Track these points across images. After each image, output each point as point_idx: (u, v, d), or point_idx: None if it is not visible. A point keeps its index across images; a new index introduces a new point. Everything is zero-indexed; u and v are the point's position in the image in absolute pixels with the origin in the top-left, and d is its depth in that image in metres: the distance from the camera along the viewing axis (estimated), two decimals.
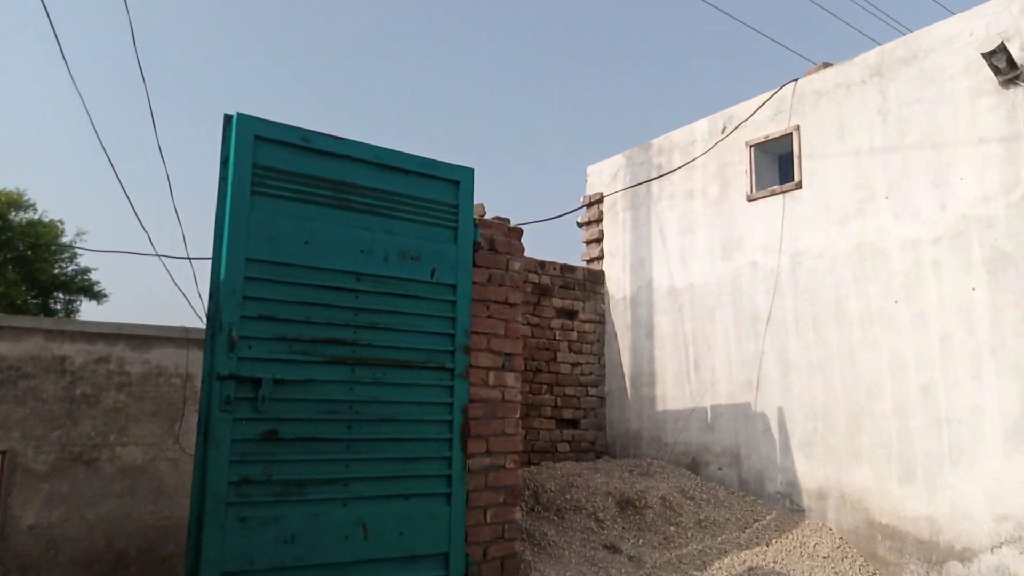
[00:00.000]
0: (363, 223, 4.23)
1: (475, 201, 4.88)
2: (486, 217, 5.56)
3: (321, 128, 4.11)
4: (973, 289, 5.04)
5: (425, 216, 4.45)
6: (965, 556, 4.86)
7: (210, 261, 3.86)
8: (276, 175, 3.91)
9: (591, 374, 7.55)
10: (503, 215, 6.03)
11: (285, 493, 3.75)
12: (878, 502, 5.35)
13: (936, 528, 5.02)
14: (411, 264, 4.33)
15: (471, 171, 4.67)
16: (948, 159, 5.28)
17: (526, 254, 7.19)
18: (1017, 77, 4.99)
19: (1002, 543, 4.71)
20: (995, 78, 5.08)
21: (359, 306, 4.13)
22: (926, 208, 5.37)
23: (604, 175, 8.16)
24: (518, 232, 5.05)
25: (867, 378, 5.53)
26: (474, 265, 4.68)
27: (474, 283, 4.66)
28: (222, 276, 3.72)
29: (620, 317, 7.66)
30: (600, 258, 8.03)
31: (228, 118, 3.88)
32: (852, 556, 5.30)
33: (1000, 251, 4.95)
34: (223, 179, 3.86)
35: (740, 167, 6.73)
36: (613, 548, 5.20)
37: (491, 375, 4.67)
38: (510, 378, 4.77)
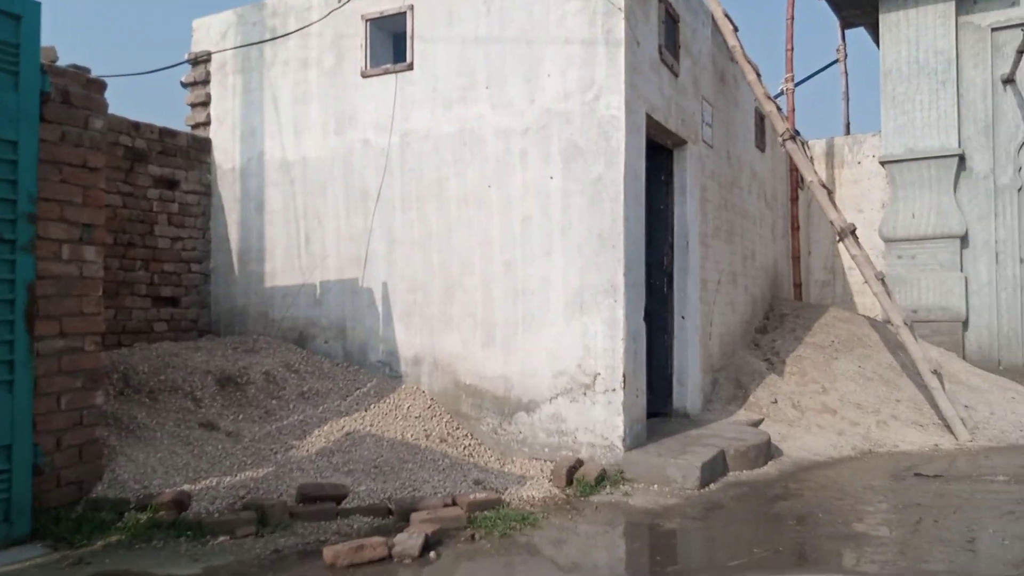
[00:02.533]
0: None
1: (44, 44, 4.17)
2: (59, 64, 4.77)
3: None
4: (551, 178, 5.68)
5: None
6: (530, 407, 5.67)
7: None
8: None
9: (194, 249, 7.11)
10: (83, 64, 5.22)
11: None
12: (464, 365, 5.95)
13: (509, 385, 5.76)
14: None
15: (37, 5, 3.96)
16: (539, 55, 5.77)
17: (118, 113, 6.39)
18: None
19: (558, 394, 5.57)
20: None
21: None
22: (518, 100, 5.84)
23: (213, 32, 7.47)
24: (99, 85, 4.44)
25: (461, 254, 6.01)
26: (42, 120, 4.04)
27: (42, 141, 4.04)
28: None
29: (228, 189, 7.26)
30: (207, 124, 7.45)
31: None
32: (440, 414, 5.87)
33: (574, 144, 5.61)
34: None
35: (355, 40, 6.63)
36: (211, 426, 5.10)
37: (65, 248, 4.15)
38: (90, 252, 4.29)
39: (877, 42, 12.02)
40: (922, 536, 4.16)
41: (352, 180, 6.59)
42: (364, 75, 6.56)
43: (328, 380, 6.10)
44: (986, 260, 11.00)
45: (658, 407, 6.80)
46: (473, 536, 4.12)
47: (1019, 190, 10.85)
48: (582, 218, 5.55)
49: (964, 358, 10.36)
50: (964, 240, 11.11)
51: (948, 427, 6.75)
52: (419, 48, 6.31)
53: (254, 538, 3.88)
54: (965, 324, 11.00)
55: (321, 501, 4.36)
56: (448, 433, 5.70)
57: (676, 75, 6.55)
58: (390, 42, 6.82)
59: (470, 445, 5.69)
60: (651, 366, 6.58)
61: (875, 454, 6.24)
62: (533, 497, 4.86)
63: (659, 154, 6.74)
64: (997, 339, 10.91)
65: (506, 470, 5.39)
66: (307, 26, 6.84)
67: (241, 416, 5.34)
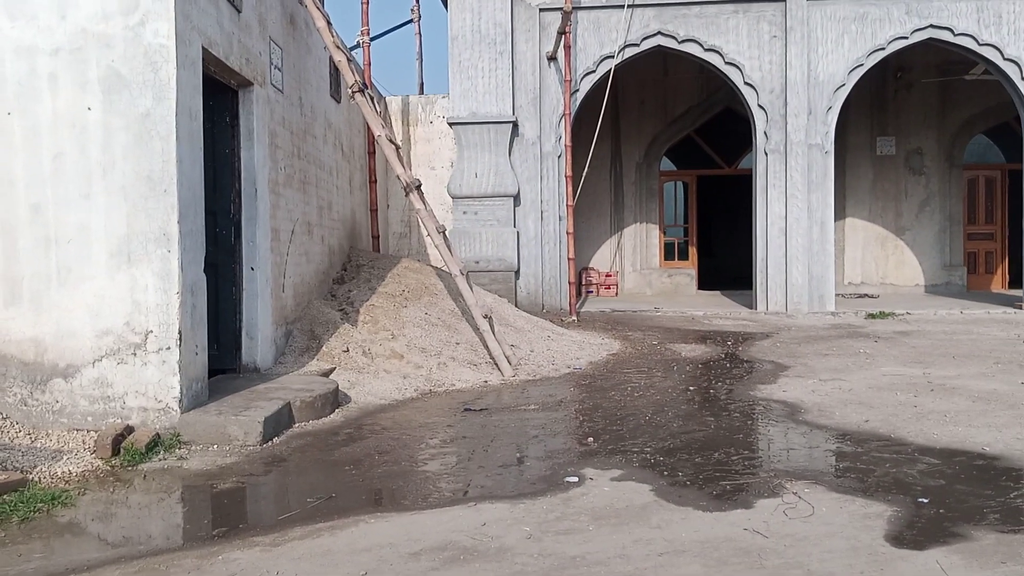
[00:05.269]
0: None
1: None
2: None
3: None
4: (89, 109, 4.96)
5: None
6: (68, 372, 4.97)
7: None
8: None
9: None
10: None
11: None
12: None
13: (41, 348, 4.98)
14: None
15: None
16: None
17: None
18: None
19: (103, 356, 4.96)
20: None
21: None
22: (45, 15, 4.96)
23: None
24: None
25: None
26: None
27: None
28: None
29: None
30: None
31: None
32: None
33: (117, 73, 4.96)
34: None
35: None
36: None
37: None
38: None
39: (447, 6, 12.75)
40: (465, 464, 4.57)
41: None
42: None
43: None
44: (534, 217, 12.52)
45: (225, 363, 6.48)
46: None
47: (559, 157, 12.49)
48: (128, 157, 4.95)
49: (516, 304, 11.72)
50: (517, 199, 12.49)
51: (496, 365, 7.56)
52: None
53: None
54: (517, 273, 12.44)
55: None
56: None
57: (239, 10, 6.15)
58: None
59: None
60: (217, 320, 6.25)
61: (435, 394, 6.72)
62: (70, 473, 4.31)
63: (223, 94, 6.30)
64: (541, 286, 12.55)
65: (38, 446, 4.69)
66: None
67: None
